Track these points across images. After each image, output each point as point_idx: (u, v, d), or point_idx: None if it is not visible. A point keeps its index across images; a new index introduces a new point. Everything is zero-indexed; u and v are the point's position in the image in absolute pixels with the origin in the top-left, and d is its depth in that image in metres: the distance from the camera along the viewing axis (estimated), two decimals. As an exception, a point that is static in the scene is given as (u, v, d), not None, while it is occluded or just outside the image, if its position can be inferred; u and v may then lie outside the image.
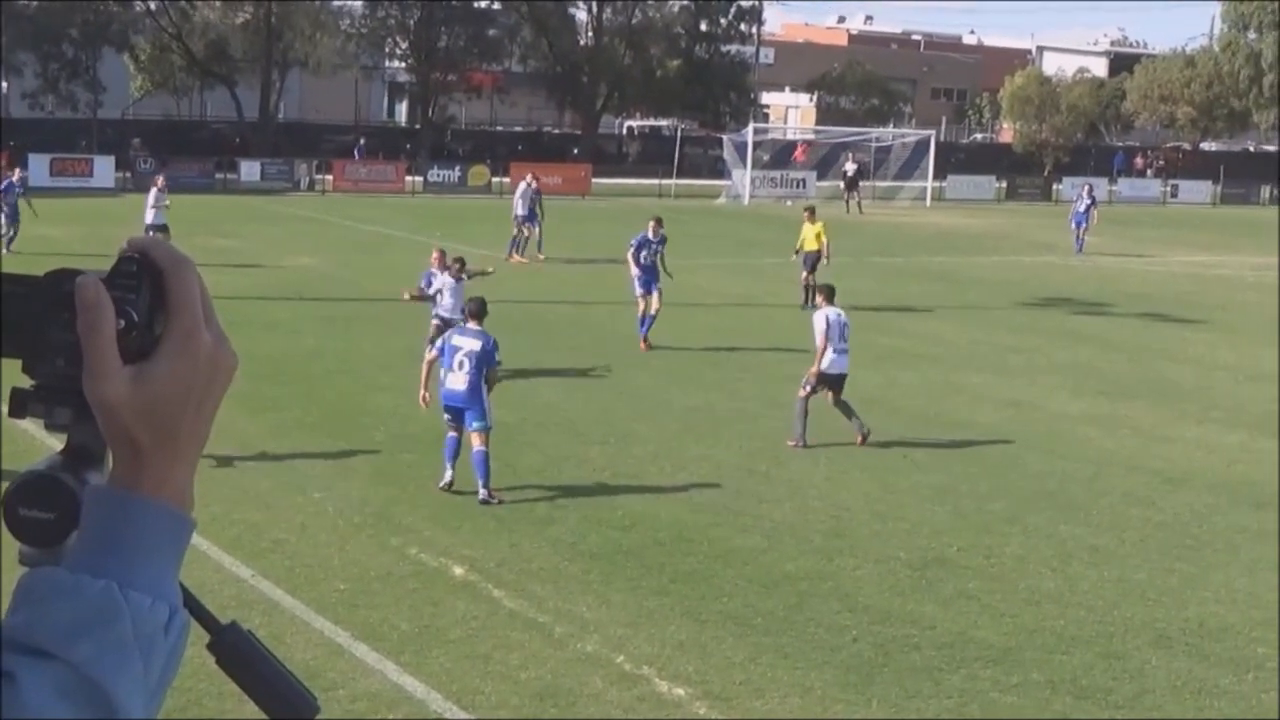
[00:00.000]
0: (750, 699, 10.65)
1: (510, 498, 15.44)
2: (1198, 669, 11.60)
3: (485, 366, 15.49)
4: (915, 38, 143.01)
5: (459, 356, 15.55)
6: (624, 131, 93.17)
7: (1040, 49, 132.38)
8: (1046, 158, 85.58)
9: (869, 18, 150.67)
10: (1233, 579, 13.94)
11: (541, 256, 37.18)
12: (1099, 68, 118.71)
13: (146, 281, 1.34)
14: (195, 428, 1.36)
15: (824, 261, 30.48)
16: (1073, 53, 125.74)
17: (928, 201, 65.00)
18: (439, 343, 16.20)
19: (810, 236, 30.95)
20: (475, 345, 15.56)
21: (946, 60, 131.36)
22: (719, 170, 66.78)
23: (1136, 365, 25.25)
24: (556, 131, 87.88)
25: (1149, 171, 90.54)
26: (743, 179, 62.41)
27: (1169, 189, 77.85)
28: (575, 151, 77.60)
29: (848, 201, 58.51)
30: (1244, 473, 18.28)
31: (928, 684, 11.04)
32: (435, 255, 22.31)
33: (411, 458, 16.91)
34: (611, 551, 13.80)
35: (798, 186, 64.97)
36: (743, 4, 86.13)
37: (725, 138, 68.64)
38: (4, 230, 34.20)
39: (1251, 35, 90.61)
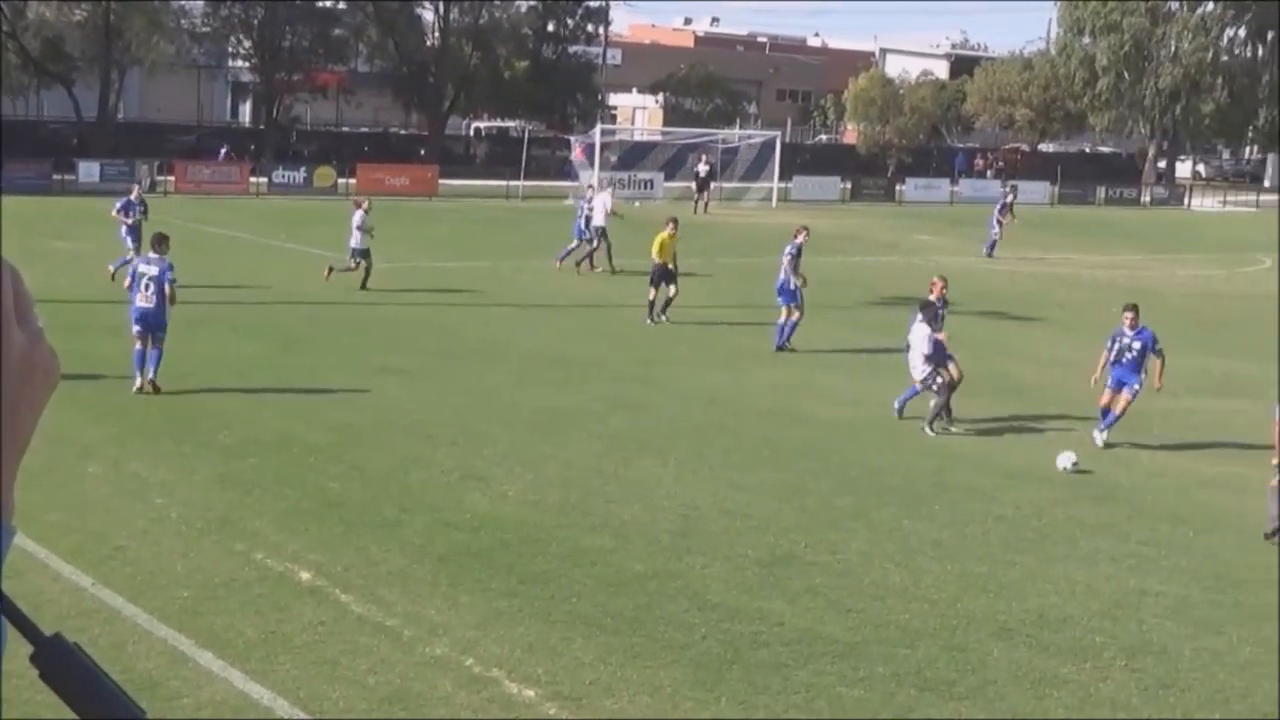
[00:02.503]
0: (600, 699, 10.67)
1: (358, 501, 15.32)
2: (1037, 659, 11.84)
3: (164, 286, 19.62)
4: (761, 40, 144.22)
5: (144, 281, 19.78)
6: (471, 133, 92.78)
7: (884, 51, 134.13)
8: (890, 159, 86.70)
9: (715, 19, 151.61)
10: (1072, 571, 14.24)
11: (598, 269, 36.69)
12: (941, 70, 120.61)
13: None
14: (10, 431, 1.32)
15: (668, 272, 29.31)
16: (915, 55, 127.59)
17: (774, 202, 65.48)
18: (130, 271, 20.57)
19: (660, 248, 29.27)
20: (155, 271, 19.77)
21: (792, 62, 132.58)
22: (566, 171, 66.71)
23: (979, 362, 25.58)
24: (403, 132, 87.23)
25: (989, 172, 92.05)
26: (590, 180, 62.41)
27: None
28: (422, 152, 77.09)
29: (697, 202, 58.81)
30: (1081, 466, 18.68)
31: (775, 680, 11.14)
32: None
33: (256, 461, 16.70)
34: (460, 554, 13.75)
35: (645, 188, 65.14)
36: (590, 5, 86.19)
37: (573, 139, 68.61)
38: (128, 252, 30.06)
39: (1086, 39, 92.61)
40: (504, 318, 29.20)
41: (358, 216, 31.70)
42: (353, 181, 59.08)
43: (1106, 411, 20.15)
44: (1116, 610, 13.17)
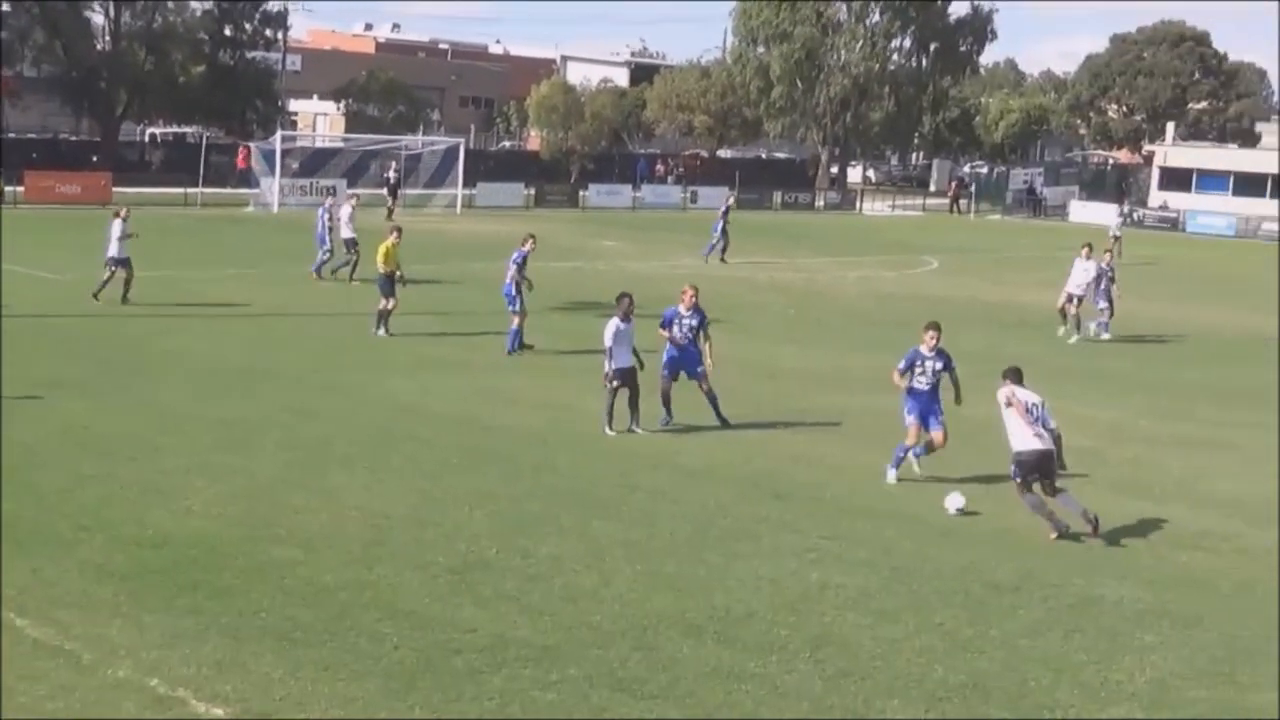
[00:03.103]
0: (291, 714, 10.51)
1: (31, 520, 14.74)
2: (726, 655, 12.11)
3: None
4: (443, 46, 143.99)
5: None
6: (147, 139, 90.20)
7: (565, 59, 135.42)
8: (573, 165, 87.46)
9: (396, 26, 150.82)
10: (756, 567, 14.61)
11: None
12: (621, 78, 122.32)
13: None
14: None
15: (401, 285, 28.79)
16: (596, 63, 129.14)
17: (458, 209, 65.43)
18: None
19: (385, 256, 28.77)
20: None
21: (474, 69, 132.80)
22: (247, 178, 65.43)
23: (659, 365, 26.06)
24: (74, 139, 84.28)
25: (670, 178, 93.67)
26: (271, 187, 61.39)
27: (689, 194, 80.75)
28: (95, 159, 74.55)
29: (390, 209, 58.33)
30: (763, 465, 19.18)
31: (470, 686, 11.14)
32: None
33: (-79, 484, 15.92)
34: (142, 572, 13.37)
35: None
36: (269, 9, 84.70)
37: (253, 145, 67.32)
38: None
39: (760, 49, 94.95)
40: (185, 328, 28.49)
41: (116, 226, 31.12)
42: (20, 189, 56.81)
43: (910, 449, 18.69)
44: (800, 603, 13.56)
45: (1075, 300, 33.46)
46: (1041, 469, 16.51)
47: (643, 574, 14.19)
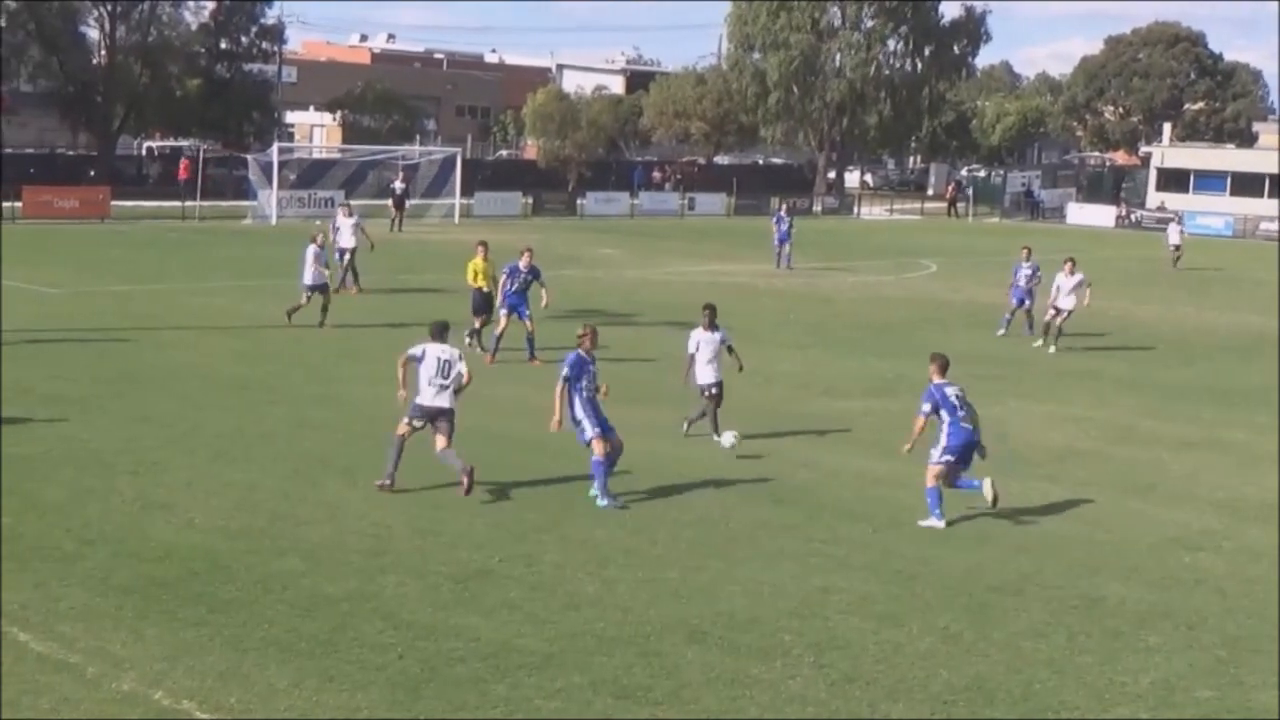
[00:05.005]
0: (296, 725, 10.52)
1: (33, 535, 14.74)
2: (729, 660, 12.10)
3: None
4: (438, 56, 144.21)
5: None
6: (144, 152, 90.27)
7: (560, 67, 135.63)
8: (570, 173, 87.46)
9: (391, 36, 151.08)
10: (758, 572, 14.60)
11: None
12: (616, 85, 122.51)
13: None
14: None
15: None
16: (591, 71, 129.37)
17: (456, 218, 65.44)
18: None
19: (476, 274, 28.53)
20: None
21: (469, 78, 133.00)
22: (245, 191, 65.45)
23: (661, 372, 25.96)
24: (71, 153, 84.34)
25: (667, 185, 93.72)
26: (269, 199, 61.41)
27: (687, 201, 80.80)
28: (92, 174, 74.59)
29: (394, 221, 58.34)
30: (763, 471, 19.16)
31: (474, 695, 11.14)
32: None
33: (-77, 500, 15.91)
34: (145, 585, 13.36)
35: (326, 206, 64.35)
36: (265, 22, 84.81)
37: (250, 157, 67.30)
38: None
39: (756, 55, 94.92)
40: (181, 342, 28.50)
41: (312, 251, 30.56)
42: (18, 205, 56.82)
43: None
44: (803, 609, 13.55)
45: (1063, 314, 32.26)
46: (436, 422, 17.45)
47: (645, 581, 14.19)
